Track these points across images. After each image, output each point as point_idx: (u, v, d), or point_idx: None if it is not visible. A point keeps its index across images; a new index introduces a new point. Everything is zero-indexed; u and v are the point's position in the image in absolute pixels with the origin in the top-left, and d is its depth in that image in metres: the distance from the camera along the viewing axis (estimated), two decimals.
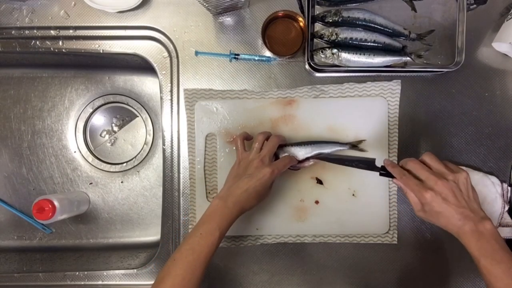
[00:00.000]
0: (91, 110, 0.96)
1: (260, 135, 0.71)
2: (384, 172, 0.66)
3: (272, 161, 0.70)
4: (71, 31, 0.81)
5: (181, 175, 0.80)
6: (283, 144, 0.74)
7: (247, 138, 0.74)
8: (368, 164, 0.68)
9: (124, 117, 0.97)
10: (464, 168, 0.76)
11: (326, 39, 0.76)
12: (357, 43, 0.75)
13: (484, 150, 0.78)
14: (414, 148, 0.79)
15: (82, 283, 0.81)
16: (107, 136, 0.97)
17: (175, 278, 0.59)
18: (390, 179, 0.66)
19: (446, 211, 0.59)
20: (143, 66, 0.85)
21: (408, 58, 0.76)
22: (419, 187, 0.60)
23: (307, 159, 0.74)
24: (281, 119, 0.78)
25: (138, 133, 0.97)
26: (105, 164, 0.95)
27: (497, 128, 0.78)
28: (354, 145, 0.76)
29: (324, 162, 0.76)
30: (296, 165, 0.75)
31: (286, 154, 0.73)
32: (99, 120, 0.97)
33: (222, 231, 0.62)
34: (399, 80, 0.78)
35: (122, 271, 0.80)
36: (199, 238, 0.61)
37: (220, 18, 0.80)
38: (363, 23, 0.75)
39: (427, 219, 0.62)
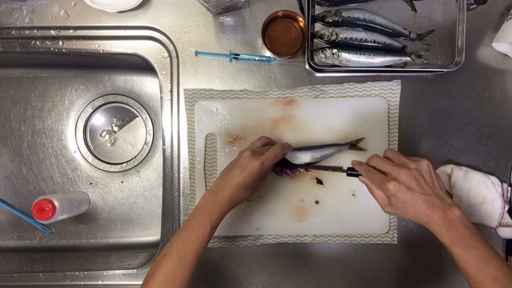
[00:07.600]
0: (91, 110, 0.96)
1: (264, 137, 0.72)
2: (351, 172, 0.67)
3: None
4: (71, 31, 0.81)
5: (181, 175, 0.80)
6: None
7: (267, 143, 0.72)
8: (338, 169, 0.75)
9: (124, 117, 0.97)
10: (464, 168, 0.77)
11: (326, 39, 0.76)
12: (357, 43, 0.75)
13: (484, 150, 0.78)
14: (414, 148, 0.78)
15: (82, 283, 0.81)
16: (107, 136, 0.97)
17: (166, 273, 0.58)
18: (358, 177, 0.66)
19: (411, 200, 0.57)
20: (143, 66, 0.85)
21: (408, 58, 0.76)
22: (382, 179, 0.59)
23: (298, 166, 0.76)
24: (281, 119, 0.78)
25: (138, 133, 0.97)
26: (105, 164, 0.95)
27: (497, 128, 0.79)
28: (353, 144, 0.76)
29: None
30: (290, 174, 0.76)
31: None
32: (99, 120, 0.97)
33: (213, 224, 0.62)
34: (399, 80, 0.78)
35: (122, 271, 0.80)
36: (190, 232, 0.61)
37: (220, 18, 0.80)
38: (363, 23, 0.75)
39: (395, 213, 0.60)
